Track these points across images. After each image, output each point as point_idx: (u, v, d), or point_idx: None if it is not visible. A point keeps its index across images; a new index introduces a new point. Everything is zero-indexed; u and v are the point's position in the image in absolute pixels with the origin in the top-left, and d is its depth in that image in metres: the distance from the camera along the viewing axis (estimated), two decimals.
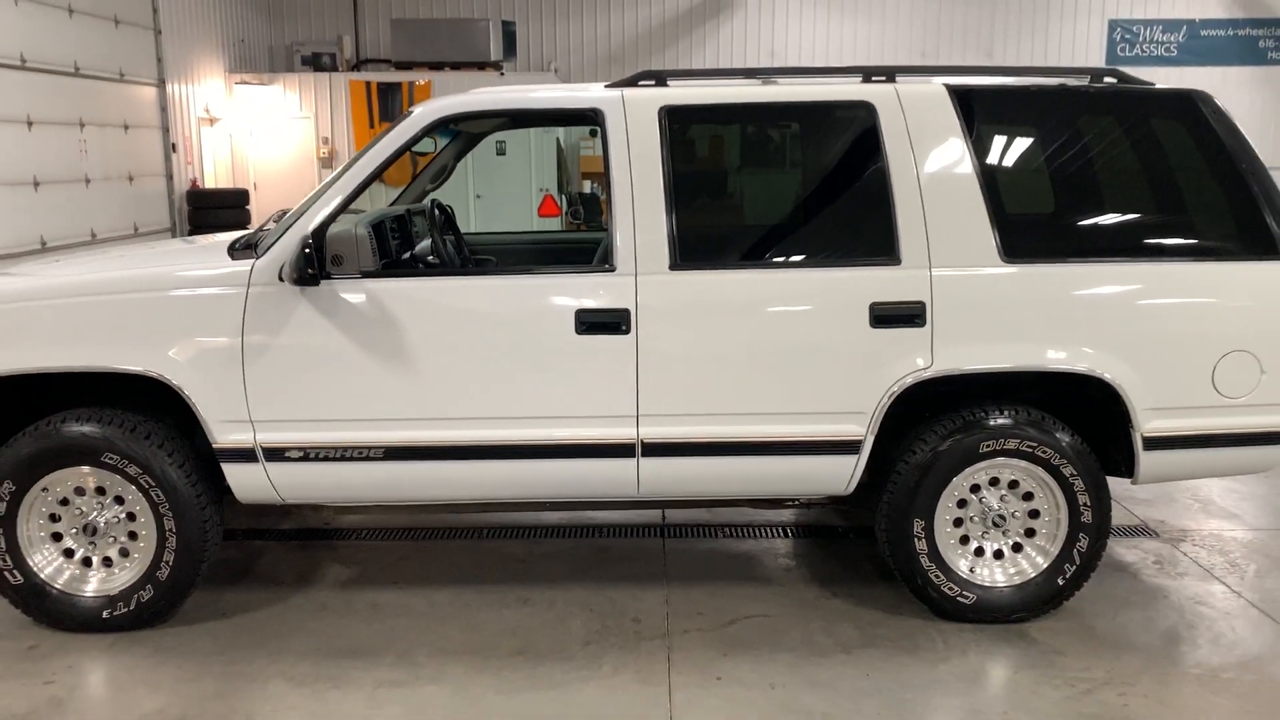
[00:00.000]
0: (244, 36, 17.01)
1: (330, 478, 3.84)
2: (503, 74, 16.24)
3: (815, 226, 4.06)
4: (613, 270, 3.76)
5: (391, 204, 4.93)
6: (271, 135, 16.04)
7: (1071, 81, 3.99)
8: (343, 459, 3.80)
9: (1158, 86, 3.98)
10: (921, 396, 3.91)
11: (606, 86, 3.94)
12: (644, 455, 3.82)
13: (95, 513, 3.85)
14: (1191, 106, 3.90)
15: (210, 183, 15.55)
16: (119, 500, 3.84)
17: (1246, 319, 3.82)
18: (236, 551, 4.67)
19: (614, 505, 4.62)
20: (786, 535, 4.88)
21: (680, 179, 3.81)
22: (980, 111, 3.88)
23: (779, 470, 3.87)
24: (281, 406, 3.76)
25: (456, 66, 16.24)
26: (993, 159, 3.86)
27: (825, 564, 4.55)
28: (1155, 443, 3.86)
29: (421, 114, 3.87)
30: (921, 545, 3.89)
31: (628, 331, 3.73)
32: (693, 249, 3.79)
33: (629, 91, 3.89)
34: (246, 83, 16.18)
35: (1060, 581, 3.92)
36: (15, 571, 3.83)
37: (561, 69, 18.14)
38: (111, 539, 3.88)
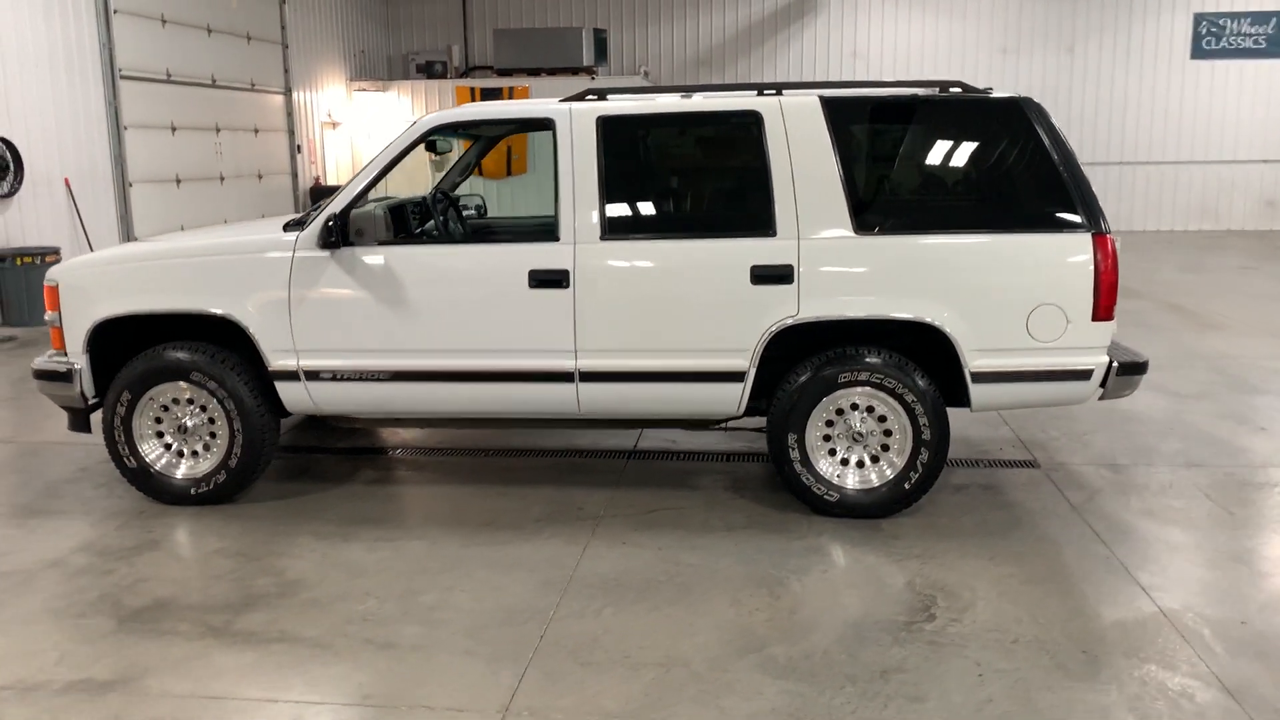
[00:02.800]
0: (364, 48, 18.77)
1: (352, 394, 5.19)
2: (594, 78, 17.59)
3: (712, 207, 5.25)
4: (557, 240, 5.01)
5: (445, 187, 6.30)
6: (387, 137, 17.72)
7: (922, 92, 5.04)
8: (359, 379, 5.15)
9: (992, 95, 5.00)
10: (803, 340, 5.04)
11: (560, 101, 5.17)
12: (581, 381, 5.06)
13: (187, 417, 5.29)
14: (1018, 111, 4.91)
15: (332, 180, 17.34)
16: (203, 408, 5.27)
17: (1054, 279, 4.82)
18: (302, 461, 6.09)
19: (594, 429, 5.83)
20: (727, 460, 6.03)
21: (610, 171, 5.03)
22: (845, 118, 4.97)
23: (686, 394, 5.05)
24: (316, 340, 5.13)
25: (552, 72, 17.68)
26: (851, 154, 4.95)
27: (748, 478, 5.69)
28: (981, 377, 4.90)
29: (420, 124, 5.20)
30: (795, 454, 5.01)
31: (567, 286, 4.97)
32: (618, 224, 5.00)
33: (576, 105, 5.12)
34: (364, 89, 17.93)
35: (907, 486, 4.99)
36: (131, 458, 5.30)
37: (652, 73, 19.37)
38: (198, 437, 5.31)
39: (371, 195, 5.21)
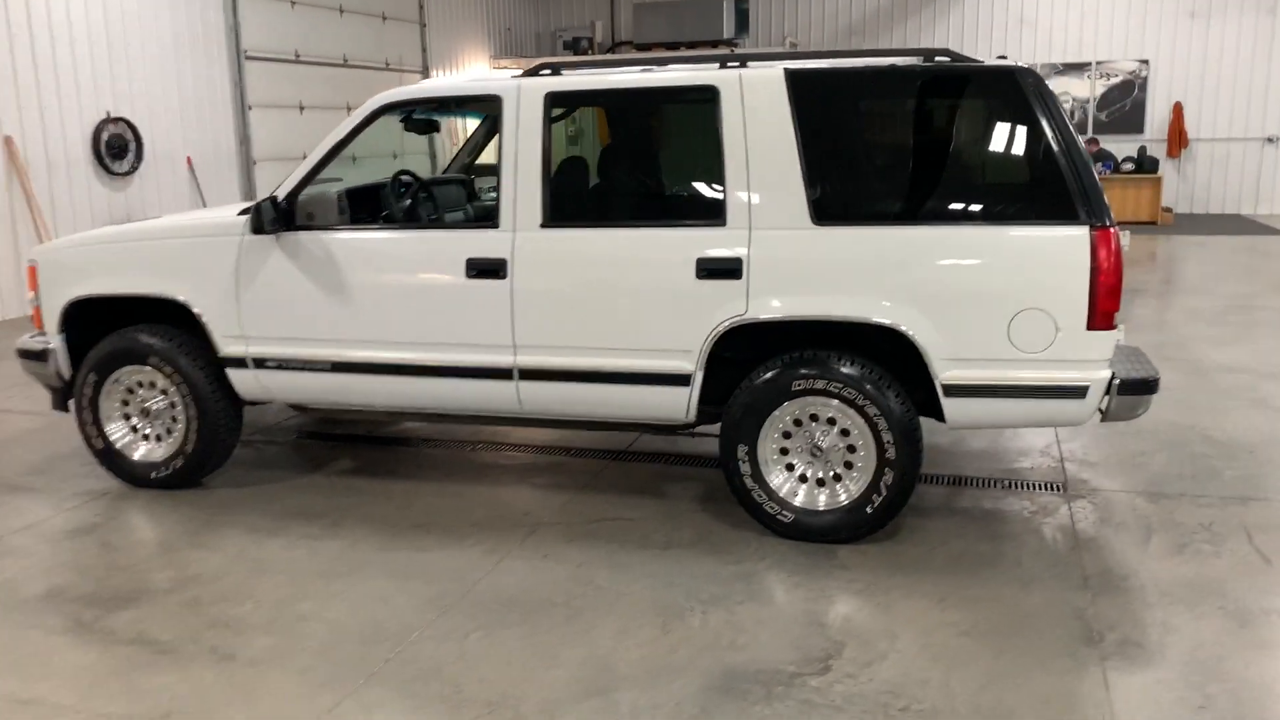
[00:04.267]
0: (509, 25, 18.83)
1: (298, 383, 5.03)
2: (734, 50, 17.02)
3: (661, 193, 4.77)
4: (496, 227, 4.67)
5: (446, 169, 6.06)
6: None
7: (901, 62, 4.41)
8: (304, 369, 4.98)
9: (982, 64, 4.32)
10: (761, 341, 4.53)
11: (513, 77, 4.82)
12: (521, 379, 4.72)
13: (150, 400, 5.26)
14: (1011, 83, 4.23)
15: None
16: (164, 393, 5.23)
17: (1041, 280, 4.13)
18: (284, 447, 6.02)
19: (591, 429, 5.42)
20: (718, 466, 5.55)
21: (552, 152, 4.64)
22: (811, 93, 4.41)
23: (630, 397, 4.63)
24: (262, 327, 4.99)
25: (692, 45, 17.27)
26: (815, 134, 4.38)
27: (724, 488, 5.21)
28: (955, 390, 4.27)
29: (370, 103, 4.95)
30: (745, 467, 4.51)
31: (505, 277, 4.64)
32: (561, 210, 4.62)
33: (525, 80, 4.75)
34: (505, 67, 17.98)
35: (869, 510, 4.41)
36: (98, 439, 5.32)
37: (801, 43, 18.63)
38: (160, 421, 5.28)
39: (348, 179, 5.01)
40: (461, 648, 3.68)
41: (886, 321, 4.24)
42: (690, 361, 4.49)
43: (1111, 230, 4.09)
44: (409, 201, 5.49)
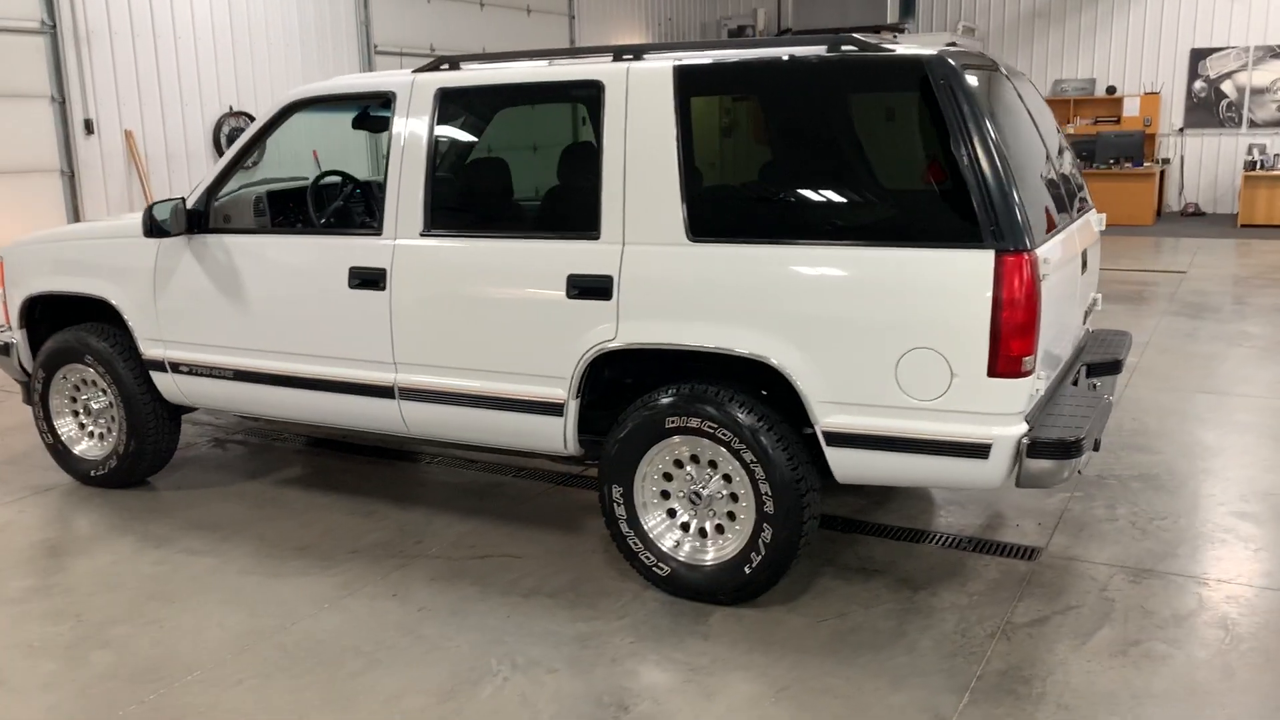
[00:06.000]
0: (670, 15, 18.45)
1: (208, 390, 4.88)
2: (896, 37, 16.05)
3: (540, 199, 4.28)
4: (378, 234, 4.34)
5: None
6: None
7: (800, 52, 3.76)
8: (210, 376, 4.83)
9: (891, 54, 3.62)
10: (645, 370, 4.02)
11: (412, 71, 4.46)
12: (402, 398, 4.38)
13: (90, 398, 5.26)
14: (920, 76, 3.52)
15: None
16: (104, 391, 5.21)
17: (933, 313, 3.42)
18: (252, 448, 5.92)
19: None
20: None
21: (441, 153, 4.27)
22: (698, 89, 3.83)
23: (508, 425, 4.20)
24: (176, 330, 4.86)
25: (855, 31, 16.33)
26: (698, 137, 3.80)
27: None
28: (837, 439, 3.61)
29: (277, 101, 4.72)
30: (620, 510, 4.00)
31: (384, 289, 4.30)
32: (443, 216, 4.24)
33: (419, 75, 4.39)
34: None
35: (748, 570, 3.81)
36: (49, 434, 5.37)
37: (979, 28, 17.36)
38: (103, 420, 5.27)
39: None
40: (220, 697, 3.39)
41: (749, 352, 3.63)
42: (563, 389, 4.02)
43: (1026, 256, 3.33)
44: (340, 204, 5.23)
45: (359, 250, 4.37)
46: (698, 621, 3.81)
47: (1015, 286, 3.31)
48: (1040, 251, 3.42)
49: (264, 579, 4.26)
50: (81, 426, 5.35)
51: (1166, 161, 16.70)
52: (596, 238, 3.90)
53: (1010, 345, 3.33)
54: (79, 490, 5.29)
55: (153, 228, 4.62)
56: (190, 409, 5.17)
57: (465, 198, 4.37)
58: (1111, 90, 16.79)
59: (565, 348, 3.97)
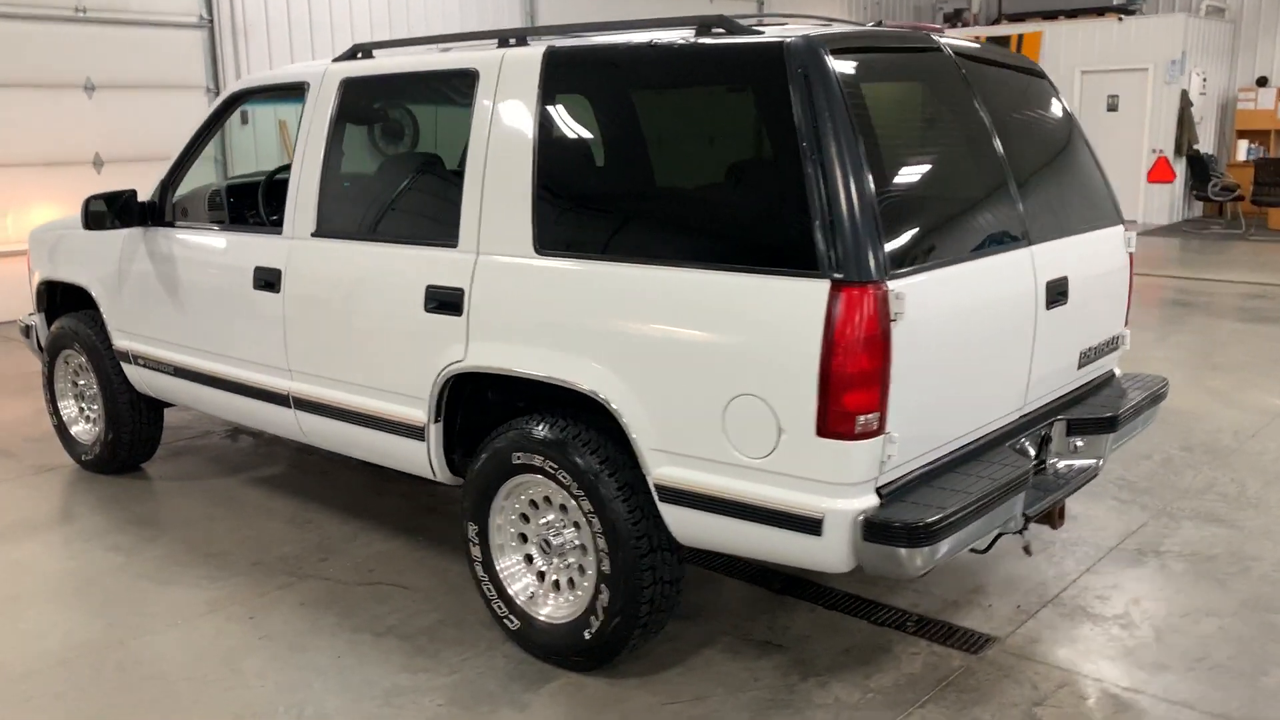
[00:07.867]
0: None
1: (158, 384, 4.83)
2: (1121, 19, 14.52)
3: (415, 202, 3.87)
4: (279, 233, 4.10)
5: None
6: None
7: (663, 37, 3.18)
8: (156, 370, 4.77)
9: (749, 40, 2.97)
10: (510, 393, 3.59)
11: (331, 60, 4.18)
12: (296, 407, 4.13)
13: (87, 384, 5.36)
14: (776, 67, 2.87)
15: None
16: (93, 378, 5.29)
17: (762, 354, 2.79)
18: (259, 443, 5.88)
19: None
20: None
21: (334, 150, 3.97)
22: (560, 79, 3.33)
23: (381, 444, 3.85)
24: (135, 323, 4.84)
25: (1072, 14, 14.97)
26: (554, 134, 3.31)
27: None
28: (669, 494, 3.05)
29: (223, 93, 4.57)
30: (475, 551, 3.58)
31: (278, 292, 4.07)
32: (330, 218, 3.95)
33: (333, 65, 4.10)
34: None
35: (587, 635, 3.30)
36: (54, 415, 5.52)
37: (1231, 7, 15.41)
38: (93, 405, 5.35)
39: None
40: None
41: (579, 385, 3.12)
42: (423, 410, 3.63)
43: (870, 290, 2.65)
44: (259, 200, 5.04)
45: (261, 250, 4.16)
46: (529, 688, 3.34)
47: (852, 326, 2.64)
48: (902, 285, 2.72)
49: (154, 586, 4.13)
50: (80, 410, 5.46)
51: None
52: (454, 246, 3.49)
53: (841, 399, 2.66)
54: (75, 474, 5.40)
55: (88, 220, 4.58)
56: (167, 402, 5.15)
57: (353, 198, 4.05)
58: None
59: (423, 366, 3.58)
